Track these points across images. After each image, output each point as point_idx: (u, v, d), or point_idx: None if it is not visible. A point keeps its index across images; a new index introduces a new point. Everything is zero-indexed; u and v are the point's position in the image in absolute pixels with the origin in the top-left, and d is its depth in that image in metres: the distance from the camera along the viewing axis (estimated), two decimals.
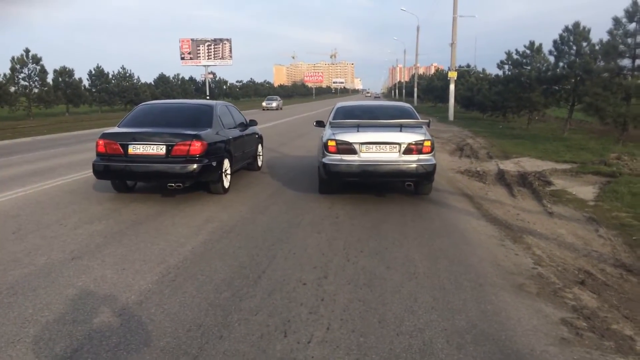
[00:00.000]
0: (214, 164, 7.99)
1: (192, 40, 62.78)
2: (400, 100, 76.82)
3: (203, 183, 8.28)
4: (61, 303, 4.15)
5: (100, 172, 7.90)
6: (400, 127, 7.86)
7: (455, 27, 32.08)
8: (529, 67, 25.97)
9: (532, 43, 26.08)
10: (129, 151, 7.69)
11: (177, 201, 8.00)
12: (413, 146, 7.67)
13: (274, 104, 52.56)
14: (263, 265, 5.07)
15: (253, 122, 10.81)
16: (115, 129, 8.28)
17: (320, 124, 9.88)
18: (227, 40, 63.60)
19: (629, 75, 17.37)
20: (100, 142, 7.84)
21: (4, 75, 35.53)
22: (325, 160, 7.85)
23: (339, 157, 7.77)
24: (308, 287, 4.52)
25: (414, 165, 7.62)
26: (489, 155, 14.20)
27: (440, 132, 21.78)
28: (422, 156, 7.68)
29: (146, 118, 8.69)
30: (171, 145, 7.64)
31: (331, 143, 7.81)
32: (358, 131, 7.81)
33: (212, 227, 6.52)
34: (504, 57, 28.18)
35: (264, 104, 53.49)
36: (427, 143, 7.71)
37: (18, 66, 37.96)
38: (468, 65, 44.11)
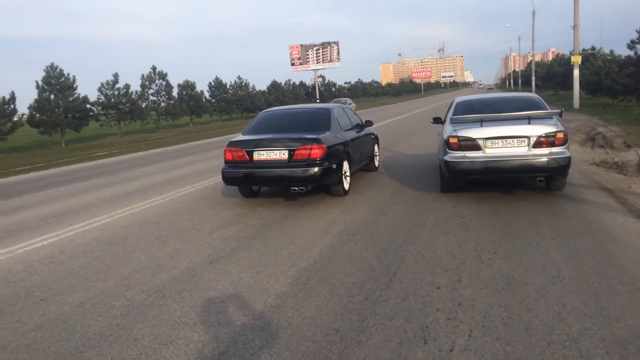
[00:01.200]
0: (334, 166, 8.06)
1: (301, 45, 64.55)
2: (515, 90, 72.82)
3: (324, 186, 8.39)
4: (205, 306, 4.38)
5: (229, 178, 8.31)
6: (529, 119, 7.38)
7: (577, 7, 29.72)
8: None
9: None
10: (254, 157, 8.01)
11: (301, 204, 8.19)
12: (544, 139, 7.17)
13: None
14: (393, 268, 4.99)
15: (369, 123, 10.78)
16: (240, 137, 8.65)
17: (437, 120, 9.59)
18: (335, 43, 64.54)
19: None
20: (228, 150, 8.25)
21: (136, 92, 38.94)
22: (446, 157, 7.60)
23: (462, 154, 7.48)
24: (442, 291, 4.37)
25: (545, 159, 7.12)
26: (626, 144, 12.92)
27: (566, 121, 20.13)
28: (554, 149, 7.16)
29: (267, 125, 9.02)
30: (293, 150, 7.83)
31: (453, 140, 7.53)
32: (482, 126, 7.46)
33: (337, 229, 6.57)
34: (635, 36, 25.71)
35: None
36: (560, 135, 7.17)
37: (147, 83, 41.48)
38: (593, 48, 40.64)
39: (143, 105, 40.00)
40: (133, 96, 37.80)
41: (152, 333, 3.92)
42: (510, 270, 4.75)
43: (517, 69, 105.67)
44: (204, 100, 48.64)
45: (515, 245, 5.49)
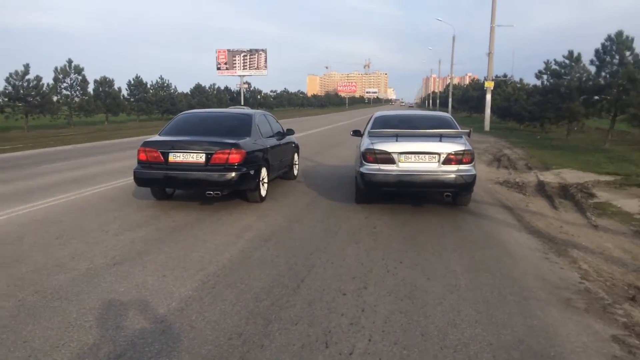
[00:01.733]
0: (252, 172, 8.04)
1: (229, 50, 63.79)
2: (434, 110, 76.23)
3: (241, 191, 8.33)
4: (104, 308, 4.21)
5: (141, 179, 8.05)
6: (440, 137, 7.75)
7: (492, 36, 31.68)
8: (568, 77, 25.43)
9: (571, 53, 25.55)
10: (169, 159, 7.81)
11: (215, 209, 8.07)
12: (453, 156, 7.56)
13: None
14: (302, 275, 5.04)
15: (290, 131, 10.85)
16: (156, 137, 8.43)
17: (357, 133, 9.84)
18: (263, 50, 64.35)
19: None
20: (142, 150, 7.99)
21: (47, 85, 36.69)
22: (362, 169, 7.81)
23: (377, 167, 7.71)
24: (348, 297, 4.47)
25: (453, 175, 7.50)
26: (527, 166, 13.90)
27: (476, 142, 21.42)
28: (461, 166, 7.56)
29: (186, 127, 8.84)
30: (210, 153, 7.73)
31: (369, 152, 7.76)
32: (397, 141, 7.74)
33: (250, 235, 6.54)
34: (542, 66, 27.72)
35: None
36: (467, 153, 7.59)
37: (61, 76, 39.27)
38: (505, 75, 43.39)
39: (54, 99, 37.76)
40: (44, 89, 35.60)
41: (43, 335, 3.71)
42: (413, 278, 4.96)
43: (436, 90, 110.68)
44: (121, 98, 46.68)
45: (420, 255, 5.73)
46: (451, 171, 7.53)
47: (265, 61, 64.44)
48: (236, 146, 7.80)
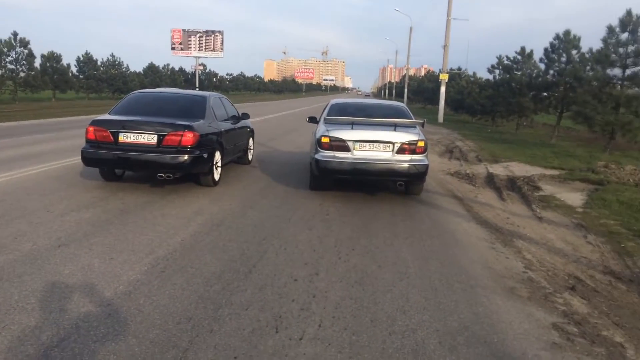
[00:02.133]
0: (205, 155, 7.90)
1: (184, 30, 62.15)
2: (390, 100, 76.98)
3: (193, 174, 8.19)
4: (47, 291, 4.06)
5: (89, 159, 7.77)
6: (395, 127, 7.84)
7: (448, 29, 32.18)
8: (519, 73, 26.20)
9: (523, 49, 26.31)
10: (119, 139, 7.57)
11: (166, 192, 7.91)
12: (406, 146, 7.66)
13: None
14: (254, 260, 5.01)
15: (245, 115, 10.72)
16: (106, 116, 8.15)
17: (312, 120, 9.82)
18: (219, 32, 63.06)
19: (619, 84, 17.56)
20: (90, 129, 7.71)
21: None
22: (317, 156, 7.81)
23: (332, 154, 7.73)
24: (299, 283, 4.48)
25: (406, 165, 7.60)
26: (478, 159, 14.28)
27: (430, 133, 21.81)
28: (415, 156, 7.67)
29: (138, 106, 8.57)
30: (163, 135, 7.54)
31: (324, 139, 7.76)
32: (352, 128, 7.78)
33: (202, 219, 6.45)
34: (495, 61, 28.44)
35: None
36: (421, 143, 7.70)
37: (5, 49, 37.34)
38: (459, 68, 44.27)
39: None
40: None
41: None
42: (364, 265, 5.02)
43: (393, 80, 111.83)
44: (70, 75, 44.85)
45: (372, 243, 5.80)
46: (404, 160, 7.63)
47: (222, 43, 63.14)
48: (189, 128, 7.64)
